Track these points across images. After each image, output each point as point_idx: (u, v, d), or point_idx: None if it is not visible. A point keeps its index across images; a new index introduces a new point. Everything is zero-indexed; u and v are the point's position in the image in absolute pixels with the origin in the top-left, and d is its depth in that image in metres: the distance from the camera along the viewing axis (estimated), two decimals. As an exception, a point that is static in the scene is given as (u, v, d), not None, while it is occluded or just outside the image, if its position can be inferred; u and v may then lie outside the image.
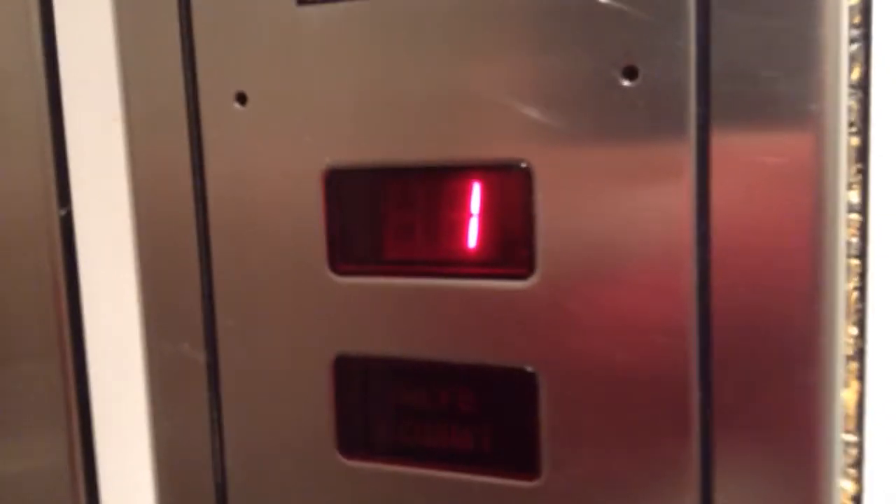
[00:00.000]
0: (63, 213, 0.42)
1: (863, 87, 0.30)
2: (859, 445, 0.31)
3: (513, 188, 0.33)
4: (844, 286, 0.31)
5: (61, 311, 0.43)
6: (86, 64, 0.40)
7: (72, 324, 0.43)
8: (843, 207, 0.30)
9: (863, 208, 0.31)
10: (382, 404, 0.37)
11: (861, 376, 0.31)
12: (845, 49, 0.29)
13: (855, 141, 0.30)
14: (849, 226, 0.31)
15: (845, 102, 0.30)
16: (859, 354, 0.31)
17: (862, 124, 0.30)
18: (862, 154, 0.30)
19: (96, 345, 0.42)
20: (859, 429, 0.31)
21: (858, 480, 0.31)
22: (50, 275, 0.43)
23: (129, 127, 0.39)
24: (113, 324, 0.42)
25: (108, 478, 0.43)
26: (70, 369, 0.43)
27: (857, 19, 0.30)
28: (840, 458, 0.31)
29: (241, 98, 0.37)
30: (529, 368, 0.34)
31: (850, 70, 0.30)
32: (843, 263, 0.30)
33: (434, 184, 0.35)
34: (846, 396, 0.31)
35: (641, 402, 0.32)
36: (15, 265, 0.43)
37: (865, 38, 0.30)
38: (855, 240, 0.31)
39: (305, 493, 0.38)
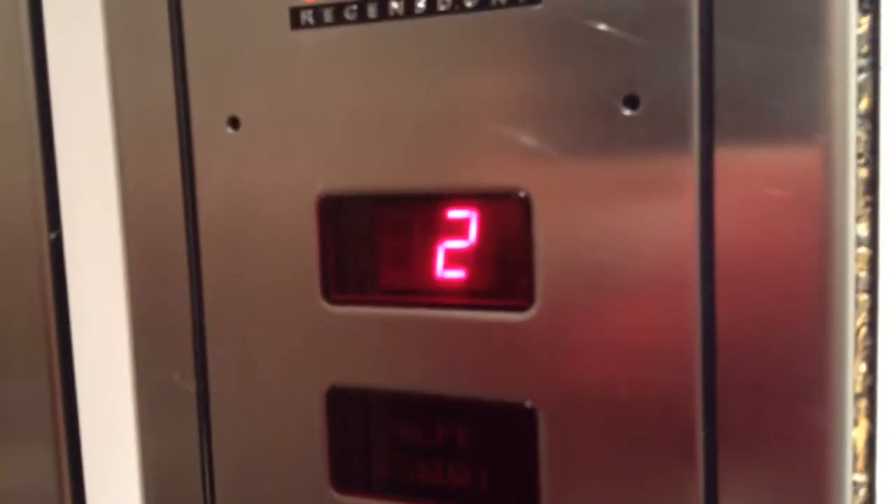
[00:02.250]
0: (53, 236, 0.41)
1: (871, 118, 0.29)
2: (869, 486, 0.30)
3: (511, 217, 0.33)
4: (853, 322, 0.30)
5: (50, 336, 0.42)
6: (77, 87, 0.39)
7: (61, 348, 0.42)
8: (851, 241, 0.29)
9: (872, 242, 0.30)
10: (377, 438, 0.36)
11: (871, 414, 0.30)
12: (853, 79, 0.28)
13: (863, 172, 0.29)
14: (857, 260, 0.30)
15: (853, 133, 0.29)
16: (869, 392, 0.30)
17: (871, 155, 0.29)
18: (871, 186, 0.29)
19: (86, 369, 0.42)
20: (869, 468, 0.30)
21: (868, 522, 0.30)
22: (39, 299, 0.42)
23: (120, 151, 0.38)
24: (103, 349, 0.41)
25: (96, 502, 0.42)
26: (59, 393, 0.42)
27: (865, 48, 0.29)
28: (849, 499, 0.30)
29: (234, 122, 0.36)
30: (529, 404, 0.33)
31: (859, 100, 0.29)
32: (852, 298, 0.29)
33: (430, 212, 0.34)
34: (855, 435, 0.30)
35: (644, 436, 0.31)
36: (4, 289, 0.42)
37: (874, 68, 0.29)
38: (864, 274, 0.30)
39: (297, 527, 0.37)
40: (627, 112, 0.30)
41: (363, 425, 0.36)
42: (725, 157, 0.29)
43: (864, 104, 0.29)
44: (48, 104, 0.40)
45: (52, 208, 0.41)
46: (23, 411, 0.43)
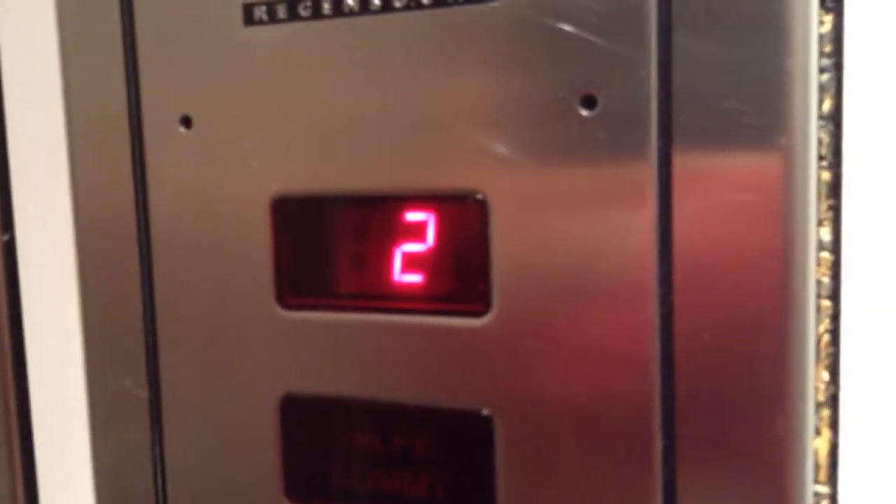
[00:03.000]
0: (6, 238, 0.40)
1: (834, 120, 0.28)
2: (832, 498, 0.30)
3: (468, 220, 0.32)
4: (815, 329, 0.29)
5: (3, 340, 0.41)
6: (30, 86, 0.38)
7: (14, 353, 0.41)
8: (812, 245, 0.28)
9: (835, 246, 0.29)
10: (331, 446, 0.35)
11: (833, 424, 0.29)
12: (815, 79, 0.28)
13: (826, 175, 0.29)
14: (820, 265, 0.29)
15: (815, 135, 0.28)
16: (832, 401, 0.29)
17: (834, 158, 0.29)
18: (834, 189, 0.29)
19: (39, 374, 0.41)
20: (832, 480, 0.30)
21: (830, 535, 0.30)
22: (-9, 302, 0.41)
23: (72, 150, 0.37)
24: (56, 353, 0.40)
25: (52, 510, 0.41)
26: (11, 400, 0.41)
27: (828, 48, 0.28)
28: (811, 511, 0.29)
29: (186, 121, 0.35)
30: (485, 412, 0.32)
31: (821, 101, 0.28)
32: (814, 305, 0.29)
33: (387, 214, 0.33)
34: (818, 445, 0.30)
35: (602, 445, 0.30)
36: (-46, 292, 0.41)
37: (837, 68, 0.28)
38: (826, 279, 0.29)
39: (253, 537, 0.36)
40: (585, 113, 0.29)
41: (318, 433, 0.35)
42: (684, 160, 0.28)
43: (827, 105, 0.28)
44: (0, 103, 0.39)
45: (5, 209, 0.40)
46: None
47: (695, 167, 0.28)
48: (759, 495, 0.29)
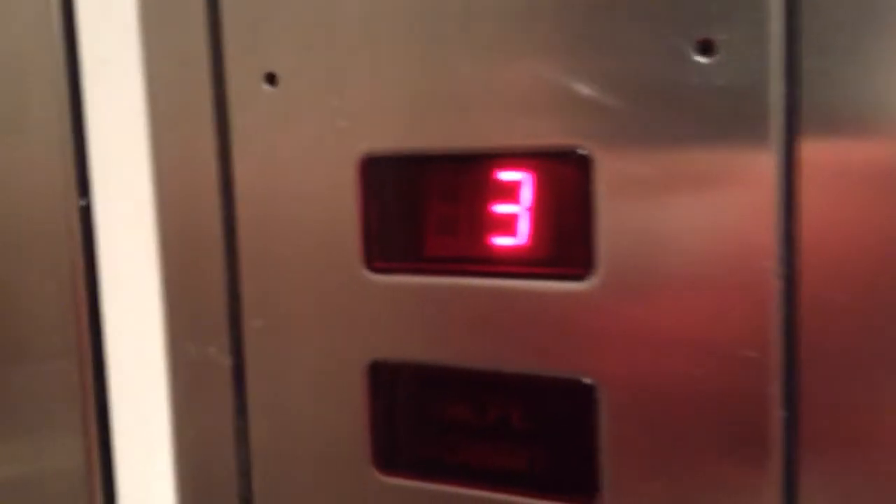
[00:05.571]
0: (83, 203, 0.39)
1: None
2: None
3: (570, 178, 0.30)
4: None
5: (80, 308, 0.40)
6: (107, 45, 0.37)
7: (91, 321, 0.40)
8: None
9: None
10: (422, 416, 0.33)
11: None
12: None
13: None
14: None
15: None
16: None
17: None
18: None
19: (117, 344, 0.40)
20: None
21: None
22: (69, 270, 0.40)
23: (152, 111, 0.36)
24: (134, 322, 0.39)
25: (127, 483, 0.41)
26: (89, 369, 0.40)
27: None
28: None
29: (271, 78, 0.34)
30: (587, 380, 0.30)
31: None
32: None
33: (481, 173, 0.31)
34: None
35: (715, 421, 0.28)
36: (32, 259, 0.41)
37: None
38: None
39: (338, 510, 0.35)
40: (701, 59, 0.27)
41: (408, 402, 0.34)
42: (812, 114, 0.26)
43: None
44: (78, 65, 0.38)
45: (82, 174, 0.39)
46: (52, 390, 0.42)
47: (824, 123, 0.26)
48: (891, 471, 0.27)
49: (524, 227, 0.31)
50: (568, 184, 0.30)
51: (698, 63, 0.27)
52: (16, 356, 0.43)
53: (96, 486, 0.41)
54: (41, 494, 0.43)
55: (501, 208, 0.31)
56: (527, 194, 0.31)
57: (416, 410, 0.34)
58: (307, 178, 0.34)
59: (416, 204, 0.33)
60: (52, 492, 0.43)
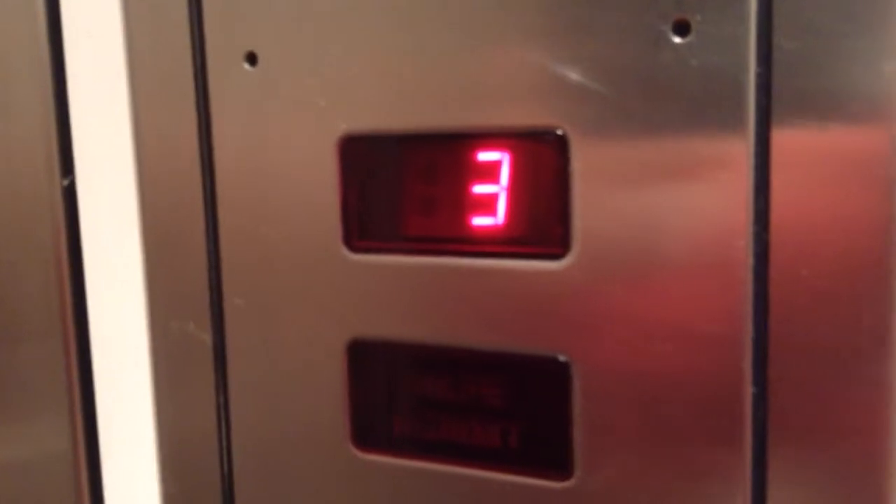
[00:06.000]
0: (66, 182, 0.40)
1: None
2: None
3: (547, 157, 0.30)
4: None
5: (63, 288, 0.40)
6: (89, 19, 0.37)
7: (74, 301, 0.40)
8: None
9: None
10: (401, 393, 0.34)
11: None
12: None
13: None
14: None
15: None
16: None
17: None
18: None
19: (100, 323, 0.40)
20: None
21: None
22: (52, 249, 0.40)
23: (133, 88, 0.36)
24: (118, 301, 0.39)
25: (112, 463, 0.41)
26: (73, 349, 0.41)
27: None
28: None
29: (251, 58, 0.34)
30: (562, 357, 0.30)
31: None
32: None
33: (460, 153, 0.32)
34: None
35: (688, 398, 0.29)
36: (15, 239, 0.41)
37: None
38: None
39: (317, 486, 0.35)
40: (677, 39, 0.27)
41: (386, 380, 0.34)
42: (785, 92, 0.26)
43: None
44: (60, 41, 0.38)
45: (65, 152, 0.39)
46: (36, 371, 0.42)
47: (799, 100, 0.26)
48: (859, 452, 0.27)
49: (502, 207, 0.31)
50: (545, 164, 0.30)
51: (674, 43, 0.28)
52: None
53: (81, 464, 0.42)
54: (26, 475, 0.43)
55: (481, 188, 0.31)
56: (504, 174, 0.31)
57: (394, 388, 0.34)
58: (287, 158, 0.34)
59: (395, 183, 0.33)
60: (37, 471, 0.43)
